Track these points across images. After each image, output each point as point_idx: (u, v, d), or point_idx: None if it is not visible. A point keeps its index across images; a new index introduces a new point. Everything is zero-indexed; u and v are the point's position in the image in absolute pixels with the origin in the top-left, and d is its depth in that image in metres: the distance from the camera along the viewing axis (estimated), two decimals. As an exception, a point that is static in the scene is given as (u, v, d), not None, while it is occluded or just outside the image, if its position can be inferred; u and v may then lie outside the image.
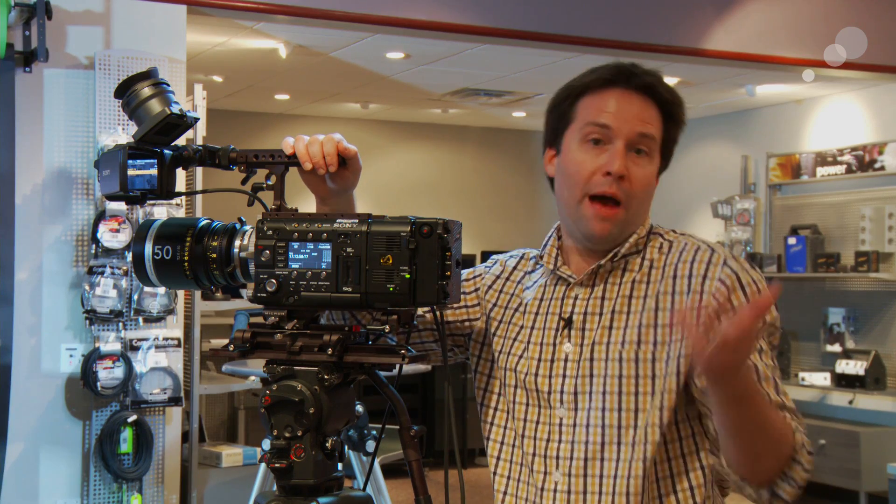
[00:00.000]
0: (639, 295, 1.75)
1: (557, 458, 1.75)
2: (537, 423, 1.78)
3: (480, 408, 1.88)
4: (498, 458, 1.84)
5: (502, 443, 1.84)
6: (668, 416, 1.70)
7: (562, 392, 1.75)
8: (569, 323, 1.78)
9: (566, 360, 1.77)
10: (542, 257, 1.86)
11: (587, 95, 1.77)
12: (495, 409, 1.86)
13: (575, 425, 1.74)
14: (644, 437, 1.70)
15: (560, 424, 1.75)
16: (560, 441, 1.75)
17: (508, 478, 1.82)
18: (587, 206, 1.73)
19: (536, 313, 1.83)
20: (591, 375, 1.74)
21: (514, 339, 1.84)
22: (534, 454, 1.78)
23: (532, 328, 1.82)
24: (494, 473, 1.85)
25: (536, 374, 1.79)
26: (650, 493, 1.71)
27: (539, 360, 1.79)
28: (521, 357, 1.82)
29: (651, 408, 1.70)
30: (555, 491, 1.74)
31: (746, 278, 1.71)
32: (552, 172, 1.82)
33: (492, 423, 1.86)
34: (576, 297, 1.79)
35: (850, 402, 6.57)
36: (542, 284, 1.85)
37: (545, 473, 1.76)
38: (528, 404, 1.79)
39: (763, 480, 1.63)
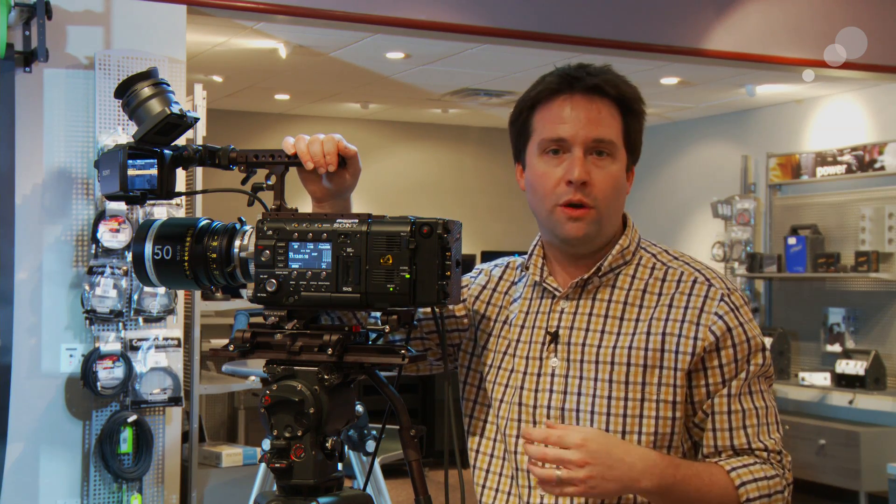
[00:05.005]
0: (630, 318, 1.73)
1: None
2: (519, 438, 1.76)
3: (469, 420, 1.87)
4: (487, 471, 1.83)
5: (492, 455, 1.82)
6: (661, 442, 1.69)
7: (548, 407, 1.74)
8: (555, 337, 1.76)
9: (553, 375, 1.75)
10: (527, 267, 1.84)
11: (539, 108, 1.76)
12: (485, 421, 1.85)
13: None
14: None
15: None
16: None
17: (497, 490, 1.81)
18: (558, 212, 1.72)
19: (522, 326, 1.81)
20: (580, 394, 1.72)
21: (504, 353, 1.82)
22: (518, 469, 1.76)
23: (518, 341, 1.80)
24: (483, 486, 1.83)
25: (522, 388, 1.77)
26: None
27: (525, 373, 1.78)
28: (509, 371, 1.80)
29: (641, 432, 1.69)
30: None
31: (743, 318, 1.71)
32: (523, 186, 1.81)
33: (480, 436, 1.85)
34: (562, 311, 1.77)
35: (850, 402, 6.57)
36: (528, 297, 1.83)
37: (530, 488, 1.74)
38: (510, 419, 1.78)
39: None
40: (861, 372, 6.57)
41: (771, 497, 1.65)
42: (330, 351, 1.57)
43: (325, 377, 1.57)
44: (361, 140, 6.54)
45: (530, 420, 1.75)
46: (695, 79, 6.73)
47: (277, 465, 1.55)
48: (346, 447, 2.89)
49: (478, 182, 9.40)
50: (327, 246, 1.57)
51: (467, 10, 4.81)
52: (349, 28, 4.93)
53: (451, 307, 1.87)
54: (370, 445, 3.52)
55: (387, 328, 1.57)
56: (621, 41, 5.09)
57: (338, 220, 1.58)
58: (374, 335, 1.67)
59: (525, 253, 1.92)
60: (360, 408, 3.32)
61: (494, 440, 1.82)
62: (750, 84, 6.87)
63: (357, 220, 1.57)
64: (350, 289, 1.56)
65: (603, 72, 1.75)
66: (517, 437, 1.76)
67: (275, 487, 1.61)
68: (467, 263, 1.69)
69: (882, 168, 6.77)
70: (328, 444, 1.57)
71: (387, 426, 1.84)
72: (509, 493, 1.79)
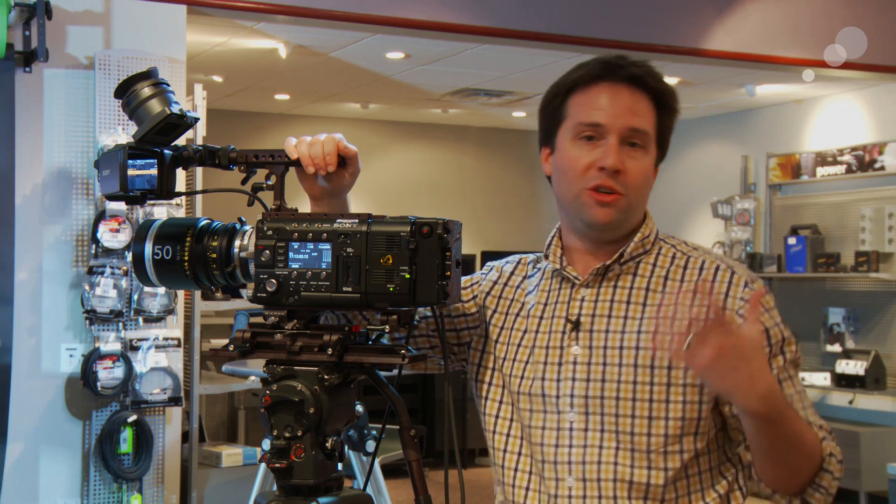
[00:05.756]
0: (653, 303, 1.73)
1: (570, 463, 1.71)
2: (545, 428, 1.74)
3: (483, 416, 1.85)
4: (508, 468, 1.80)
5: (506, 451, 1.80)
6: (689, 427, 1.69)
7: (571, 396, 1.72)
8: (576, 325, 1.74)
9: (575, 363, 1.73)
10: (546, 256, 1.82)
11: (576, 92, 1.75)
12: (497, 417, 1.83)
13: (587, 430, 1.71)
14: (661, 444, 1.68)
15: (570, 429, 1.72)
16: (571, 446, 1.71)
17: (527, 489, 1.78)
18: (586, 196, 1.71)
19: (541, 317, 1.79)
20: (604, 380, 1.70)
21: (518, 345, 1.80)
22: (543, 461, 1.74)
23: (537, 332, 1.79)
24: (513, 486, 1.80)
25: (543, 379, 1.75)
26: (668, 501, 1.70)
27: (545, 363, 1.76)
28: (526, 363, 1.78)
29: (668, 417, 1.68)
30: (569, 497, 1.70)
31: (767, 306, 1.72)
32: (549, 171, 1.80)
33: (494, 432, 1.83)
34: (582, 299, 1.76)
35: (850, 402, 6.57)
36: (546, 289, 1.81)
37: (557, 480, 1.72)
38: (533, 410, 1.76)
39: (795, 491, 1.65)
40: (861, 372, 6.57)
41: (838, 462, 1.65)
42: (330, 351, 1.57)
43: (325, 377, 1.57)
44: (361, 140, 6.53)
45: (554, 410, 1.73)
46: (695, 79, 6.73)
47: (277, 465, 1.55)
48: (346, 447, 2.89)
49: (478, 182, 9.40)
50: (327, 246, 1.57)
51: (467, 10, 4.81)
52: (349, 28, 4.93)
53: (461, 305, 1.87)
54: (370, 445, 3.52)
55: (387, 328, 1.57)
56: (621, 41, 5.09)
57: (338, 220, 1.58)
58: (379, 334, 1.66)
59: (526, 253, 1.91)
60: (360, 408, 3.32)
61: (508, 434, 1.80)
62: (750, 84, 6.87)
63: (357, 220, 1.57)
64: (350, 289, 1.56)
65: (645, 64, 1.75)
66: (543, 428, 1.74)
67: (275, 487, 1.61)
68: (467, 263, 1.68)
69: (882, 168, 6.77)
70: (328, 444, 1.56)
71: (387, 426, 1.84)
72: (527, 489, 1.77)
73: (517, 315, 1.83)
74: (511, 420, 1.81)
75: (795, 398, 1.69)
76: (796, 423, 1.60)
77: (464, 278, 1.91)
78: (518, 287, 1.87)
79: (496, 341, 1.84)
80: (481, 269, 1.96)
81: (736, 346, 1.48)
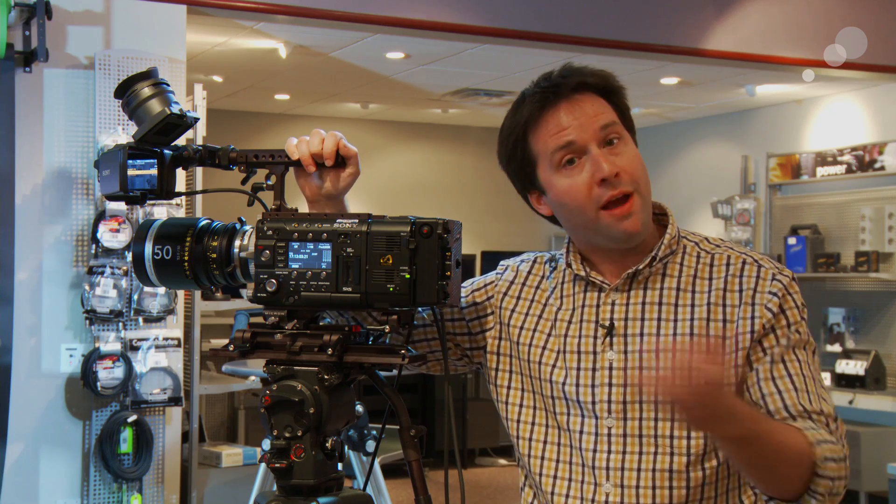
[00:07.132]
0: (685, 303, 1.72)
1: (607, 468, 1.70)
2: (583, 433, 1.73)
3: (507, 422, 1.83)
4: (535, 457, 1.79)
5: (558, 460, 1.77)
6: None
7: (609, 401, 1.70)
8: (610, 330, 1.73)
9: (611, 369, 1.71)
10: (569, 264, 1.79)
11: (531, 131, 1.73)
12: (520, 406, 1.81)
13: (625, 435, 1.69)
14: (701, 446, 1.67)
15: (609, 434, 1.70)
16: (609, 451, 1.70)
17: (568, 496, 1.76)
18: (604, 216, 1.69)
19: (570, 321, 1.77)
20: (641, 384, 1.68)
21: (543, 348, 1.78)
22: (583, 465, 1.73)
23: (566, 336, 1.76)
24: (552, 493, 1.78)
25: (577, 385, 1.73)
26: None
27: (579, 369, 1.73)
28: (554, 366, 1.76)
29: None
30: (606, 503, 1.70)
31: (793, 291, 1.71)
32: (547, 212, 1.78)
33: (525, 438, 1.80)
34: (613, 304, 1.74)
35: (850, 402, 6.57)
36: (569, 293, 1.79)
37: (595, 485, 1.71)
38: (570, 414, 1.74)
39: (790, 497, 1.62)
40: (861, 372, 6.57)
41: (837, 462, 1.61)
42: (330, 351, 1.57)
43: (325, 377, 1.56)
44: (361, 140, 6.54)
45: (591, 415, 1.72)
46: (695, 79, 6.73)
47: (277, 465, 1.55)
48: (346, 447, 2.89)
49: (478, 182, 9.40)
50: (327, 246, 1.57)
51: (467, 10, 4.81)
52: (349, 28, 4.93)
53: (475, 306, 1.86)
54: (370, 445, 3.52)
55: (386, 328, 1.57)
56: (621, 41, 5.09)
57: (338, 220, 1.58)
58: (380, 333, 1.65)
59: (535, 252, 1.90)
60: (360, 408, 3.32)
61: (546, 441, 1.78)
62: (750, 84, 6.87)
63: (357, 220, 1.57)
64: (350, 289, 1.56)
65: (572, 69, 1.74)
66: (581, 432, 1.72)
67: (275, 487, 1.61)
68: (467, 263, 1.68)
69: (882, 168, 6.77)
70: (328, 444, 1.56)
71: (387, 426, 1.84)
72: (568, 480, 1.75)
73: (539, 317, 1.81)
74: (535, 408, 1.79)
75: (796, 380, 1.66)
76: (774, 439, 1.57)
77: (479, 279, 1.90)
78: (537, 287, 1.84)
79: (517, 343, 1.82)
80: (483, 269, 1.94)
81: (700, 395, 1.48)
